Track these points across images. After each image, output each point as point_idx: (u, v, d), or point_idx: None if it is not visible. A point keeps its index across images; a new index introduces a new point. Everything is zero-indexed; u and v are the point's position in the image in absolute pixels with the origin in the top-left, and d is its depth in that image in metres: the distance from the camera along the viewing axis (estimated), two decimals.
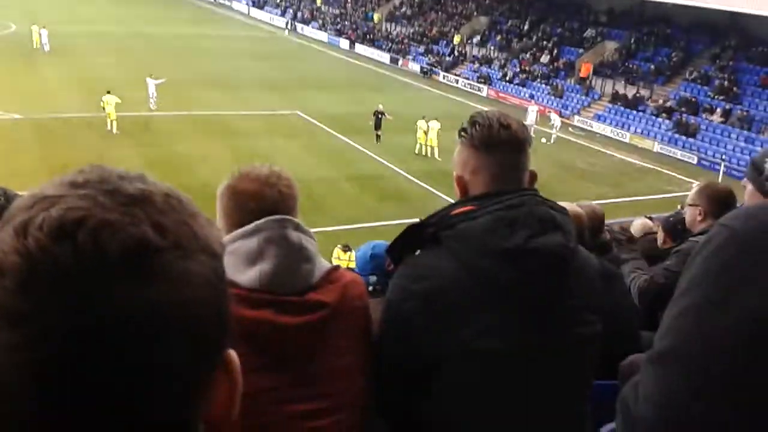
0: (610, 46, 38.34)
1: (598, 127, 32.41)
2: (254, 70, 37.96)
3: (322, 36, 54.12)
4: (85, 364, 0.54)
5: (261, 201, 1.67)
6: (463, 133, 1.80)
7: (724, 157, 26.81)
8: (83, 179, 0.61)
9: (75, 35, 43.48)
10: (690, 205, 3.81)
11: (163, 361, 0.57)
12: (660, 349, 1.10)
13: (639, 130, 31.40)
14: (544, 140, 27.36)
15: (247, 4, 67.31)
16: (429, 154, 24.33)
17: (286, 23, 58.58)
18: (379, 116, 25.55)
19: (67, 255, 0.54)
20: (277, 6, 64.16)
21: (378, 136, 25.68)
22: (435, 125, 24.31)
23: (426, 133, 24.39)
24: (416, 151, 24.66)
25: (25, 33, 40.07)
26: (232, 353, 0.67)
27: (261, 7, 65.37)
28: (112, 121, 24.26)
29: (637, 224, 5.72)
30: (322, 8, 59.85)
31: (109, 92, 24.47)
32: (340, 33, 53.26)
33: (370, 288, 2.56)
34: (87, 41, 42.09)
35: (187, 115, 27.53)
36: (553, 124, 28.94)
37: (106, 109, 24.19)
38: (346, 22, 55.01)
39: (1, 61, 33.93)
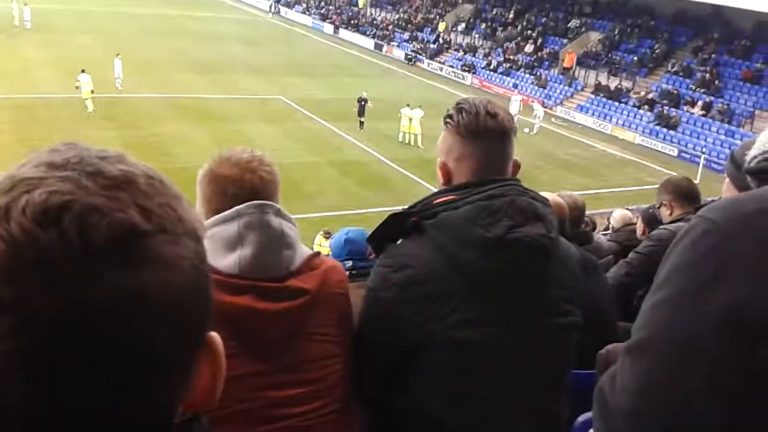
0: (594, 36, 38.45)
1: (581, 118, 32.57)
2: (237, 54, 37.64)
3: (306, 20, 53.73)
4: (73, 352, 0.53)
5: (241, 186, 1.65)
6: (448, 120, 1.78)
7: (704, 150, 27.07)
8: (62, 159, 0.59)
9: (55, 13, 42.82)
10: (660, 205, 3.88)
11: (151, 345, 0.56)
12: (637, 339, 1.11)
13: (621, 122, 31.59)
14: (526, 130, 27.44)
15: None
16: (412, 142, 24.32)
17: (270, 6, 58.05)
18: (363, 103, 25.54)
19: (53, 241, 0.53)
20: None
21: (361, 123, 25.66)
22: (418, 113, 24.30)
23: (410, 120, 24.37)
24: (400, 139, 24.62)
25: (7, 11, 39.31)
26: (215, 335, 0.66)
27: None
28: (86, 101, 23.93)
29: (617, 215, 5.78)
30: None
31: (83, 71, 24.08)
32: (324, 18, 52.90)
33: (346, 273, 2.56)
34: (67, 20, 41.48)
35: (168, 97, 27.24)
36: (536, 114, 29.01)
37: (82, 88, 23.84)
38: (331, 7, 54.64)
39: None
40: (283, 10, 57.09)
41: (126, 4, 49.88)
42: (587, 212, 4.45)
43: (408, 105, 24.65)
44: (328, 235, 12.58)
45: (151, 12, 48.57)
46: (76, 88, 23.87)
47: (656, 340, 1.08)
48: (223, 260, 1.58)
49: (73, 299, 0.53)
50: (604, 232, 6.52)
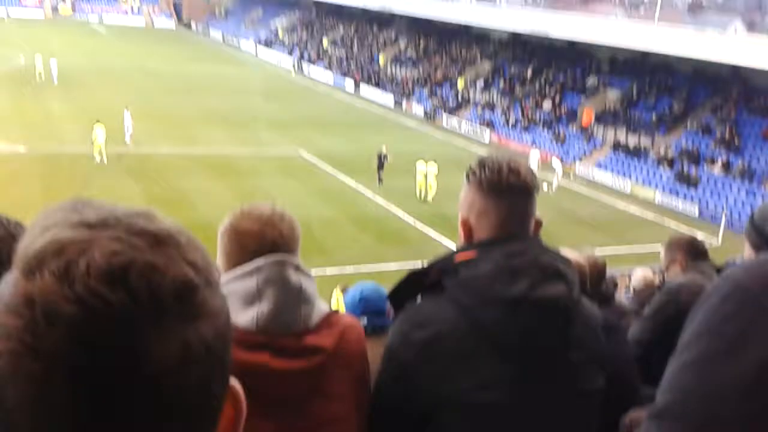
0: (612, 94, 38.75)
1: (599, 175, 32.53)
2: (259, 109, 38.33)
3: (328, 76, 54.78)
4: (143, 411, 0.54)
5: (261, 241, 1.65)
6: (471, 175, 1.77)
7: (725, 208, 26.85)
8: (97, 219, 0.59)
9: (81, 68, 44.07)
10: (668, 265, 3.85)
11: (209, 393, 0.60)
12: (662, 404, 1.09)
13: (640, 179, 31.50)
14: (545, 188, 27.46)
15: (255, 43, 68.30)
16: (424, 198, 24.29)
17: (293, 63, 59.35)
18: (383, 158, 25.80)
19: (124, 301, 0.54)
20: (285, 46, 65.10)
21: (380, 179, 25.82)
22: (432, 168, 24.32)
23: (425, 176, 24.40)
24: (417, 195, 24.59)
25: (31, 64, 40.51)
26: (234, 380, 0.67)
27: (269, 46, 66.32)
28: (100, 152, 24.30)
29: (638, 275, 5.70)
30: (329, 50, 60.70)
31: (98, 121, 24.52)
32: (345, 74, 53.92)
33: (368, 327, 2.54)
34: (94, 75, 42.64)
35: (191, 152, 27.69)
36: (555, 170, 29.05)
37: (96, 140, 24.26)
38: (352, 64, 55.74)
39: (8, 92, 34.29)
40: (305, 66, 58.33)
41: (152, 60, 51.30)
42: (608, 271, 4.40)
43: (423, 160, 24.72)
44: (345, 290, 12.53)
45: (176, 68, 49.84)
46: (92, 142, 24.30)
47: (684, 404, 1.06)
48: (240, 316, 1.57)
49: (144, 358, 0.54)
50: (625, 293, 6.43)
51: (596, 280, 3.98)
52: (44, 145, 25.73)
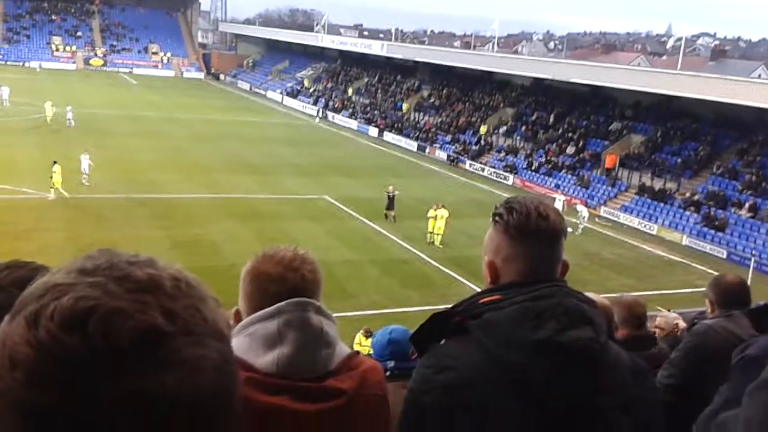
0: (636, 138, 38.68)
1: (625, 218, 32.26)
2: (285, 156, 38.81)
3: (352, 124, 55.49)
4: None
5: (283, 285, 1.64)
6: (497, 218, 1.74)
7: (754, 252, 26.38)
8: (93, 266, 0.61)
9: (110, 119, 45.08)
10: (707, 300, 3.77)
11: None
12: None
13: (667, 223, 31.17)
14: (570, 230, 27.23)
15: (281, 93, 69.60)
16: (434, 242, 24.07)
17: (318, 111, 60.28)
18: (391, 197, 26.67)
19: (78, 345, 0.54)
20: (310, 95, 66.24)
21: (393, 217, 26.55)
22: (444, 213, 24.18)
23: (435, 220, 24.24)
24: (428, 241, 24.23)
25: (63, 115, 41.49)
26: None
27: (294, 96, 67.52)
28: (53, 189, 24.92)
29: (662, 319, 5.59)
30: (353, 98, 61.63)
31: (55, 162, 25.22)
32: (369, 121, 54.57)
33: (388, 373, 2.50)
34: (122, 124, 43.58)
35: (216, 197, 28.02)
36: (580, 214, 28.88)
37: (53, 177, 24.82)
38: (376, 111, 56.45)
39: (37, 141, 35.14)
40: (330, 115, 59.18)
41: (179, 111, 52.42)
42: None
43: (434, 205, 24.52)
44: (368, 333, 12.43)
45: (203, 118, 50.83)
46: (50, 177, 24.84)
47: None
48: (261, 359, 1.56)
49: (92, 402, 0.53)
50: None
51: (637, 324, 3.91)
52: (72, 192, 26.15)
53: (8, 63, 71.82)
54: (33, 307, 0.57)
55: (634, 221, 31.79)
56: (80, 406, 0.54)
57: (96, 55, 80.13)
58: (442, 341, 1.70)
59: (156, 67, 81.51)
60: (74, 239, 20.34)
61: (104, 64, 78.74)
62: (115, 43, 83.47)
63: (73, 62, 77.35)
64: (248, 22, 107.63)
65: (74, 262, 0.63)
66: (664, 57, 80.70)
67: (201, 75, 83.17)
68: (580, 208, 29.75)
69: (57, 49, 78.88)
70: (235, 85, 78.53)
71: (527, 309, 1.60)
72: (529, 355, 1.56)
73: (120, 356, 0.55)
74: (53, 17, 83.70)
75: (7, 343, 0.56)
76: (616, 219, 32.39)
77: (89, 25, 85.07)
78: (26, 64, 72.98)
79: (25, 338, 0.55)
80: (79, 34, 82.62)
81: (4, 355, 0.55)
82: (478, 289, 1.79)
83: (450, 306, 1.73)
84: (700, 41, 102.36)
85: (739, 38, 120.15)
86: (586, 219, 28.95)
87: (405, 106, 55.13)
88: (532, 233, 1.70)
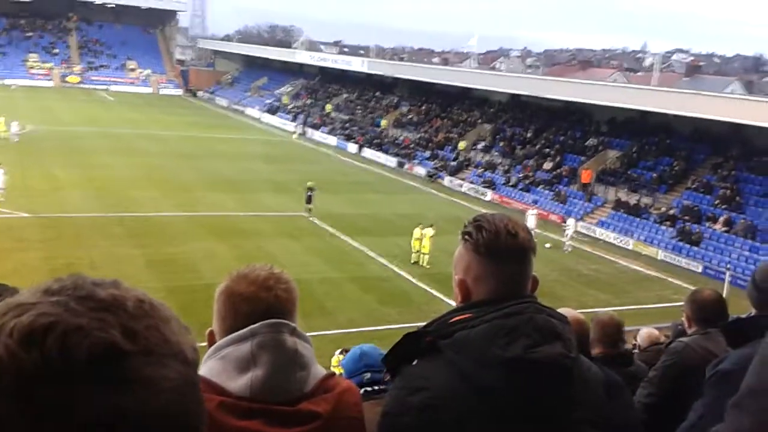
0: (612, 154, 39.13)
1: (602, 234, 32.53)
2: (263, 173, 38.69)
3: (331, 140, 55.51)
4: None
5: (256, 305, 1.63)
6: (467, 237, 1.74)
7: (729, 266, 26.72)
8: (58, 286, 0.62)
9: (87, 136, 44.68)
10: (684, 314, 3.79)
11: None
12: None
13: (643, 238, 31.47)
14: (547, 245, 27.41)
15: (260, 109, 69.49)
16: (421, 262, 23.88)
17: (297, 128, 60.24)
18: (310, 192, 28.98)
19: (35, 361, 0.55)
20: (289, 112, 66.20)
21: (310, 210, 28.89)
22: (429, 232, 23.99)
23: (420, 240, 24.15)
24: (412, 260, 24.07)
25: (41, 133, 41.07)
26: None
27: (273, 113, 67.43)
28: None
29: (644, 334, 5.64)
30: (332, 114, 61.70)
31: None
32: (348, 138, 54.64)
33: (363, 390, 2.48)
34: (98, 142, 43.19)
35: (194, 215, 27.81)
36: (566, 231, 29.13)
37: None
38: (355, 128, 56.55)
39: (13, 159, 34.68)
40: (309, 131, 59.16)
41: (157, 128, 52.11)
42: None
43: (420, 224, 24.52)
44: (346, 352, 12.35)
45: (181, 135, 50.56)
46: None
47: None
48: (234, 382, 1.54)
49: (51, 418, 0.54)
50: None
51: (613, 341, 3.92)
52: (48, 210, 25.85)
53: None
54: None
55: (610, 236, 32.06)
56: (37, 420, 0.54)
57: (73, 72, 79.44)
58: (415, 362, 1.70)
59: (133, 83, 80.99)
60: (50, 259, 20.08)
61: (81, 81, 78.07)
62: (92, 60, 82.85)
63: (50, 79, 76.61)
64: (227, 38, 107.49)
65: (41, 284, 0.63)
66: (640, 73, 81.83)
67: (179, 92, 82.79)
68: (570, 222, 29.95)
69: (33, 67, 78.10)
70: (213, 102, 78.28)
71: (498, 327, 1.60)
72: (500, 372, 1.56)
73: (77, 372, 0.55)
74: (30, 34, 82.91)
75: None
76: (592, 234, 32.65)
77: (66, 42, 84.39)
78: (1, 82, 72.18)
79: None
80: (56, 50, 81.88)
81: None
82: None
83: (422, 326, 1.73)
84: (675, 57, 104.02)
85: (713, 54, 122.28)
86: (570, 236, 29.05)
87: (384, 123, 55.31)
88: (502, 252, 1.70)
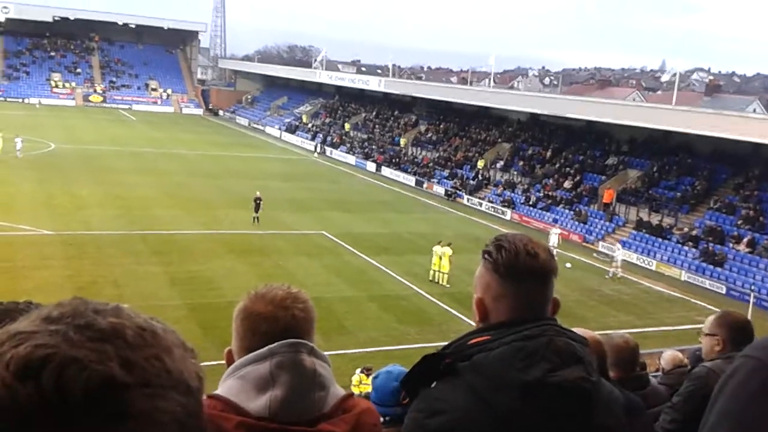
0: (633, 173, 38.87)
1: (623, 254, 32.19)
2: (282, 191, 38.86)
3: (350, 159, 55.76)
4: None
5: (274, 324, 1.63)
6: (487, 256, 1.73)
7: (753, 287, 26.32)
8: (58, 314, 0.61)
9: (109, 155, 45.27)
10: (707, 334, 3.71)
11: None
12: None
13: (665, 258, 31.12)
14: (568, 265, 27.20)
15: (280, 128, 70.07)
16: (439, 281, 23.82)
17: (316, 146, 60.62)
18: (258, 202, 30.21)
19: (31, 395, 0.54)
20: (308, 131, 66.68)
21: (256, 218, 29.71)
22: (447, 251, 23.94)
23: (440, 258, 24.08)
24: (430, 278, 24.04)
25: (64, 152, 41.65)
26: None
27: (293, 132, 67.97)
28: None
29: (668, 356, 5.54)
30: (351, 133, 62.04)
31: None
32: (367, 156, 54.85)
33: (387, 418, 2.45)
34: (121, 160, 43.72)
35: (215, 233, 27.99)
36: (615, 258, 28.69)
37: None
38: (374, 146, 56.78)
39: (35, 178, 35.21)
40: (328, 150, 59.49)
41: (178, 147, 52.70)
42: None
43: (440, 242, 24.51)
44: (368, 371, 12.29)
45: (202, 153, 51.07)
46: None
47: None
48: (253, 401, 1.54)
49: None
50: (654, 374, 6.24)
51: (628, 364, 3.85)
52: (70, 228, 26.15)
53: (8, 99, 72.36)
54: None
55: (632, 257, 31.72)
56: None
57: (95, 91, 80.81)
58: (433, 384, 1.68)
59: (155, 103, 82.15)
60: (74, 276, 20.29)
61: (104, 101, 79.35)
62: (114, 79, 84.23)
63: (73, 98, 77.97)
64: (247, 58, 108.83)
65: (43, 310, 0.63)
66: (659, 92, 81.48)
67: (200, 111, 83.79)
68: (617, 250, 29.44)
69: (56, 86, 79.55)
70: (234, 121, 79.08)
71: (517, 349, 1.58)
72: (519, 396, 1.54)
73: (73, 406, 0.54)
74: (53, 54, 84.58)
75: None
76: (614, 254, 32.29)
77: (89, 62, 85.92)
78: (26, 101, 73.55)
79: None
80: (79, 70, 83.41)
81: None
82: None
83: (440, 348, 1.72)
84: (694, 76, 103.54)
85: (733, 73, 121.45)
86: (618, 260, 28.47)
87: (402, 141, 55.50)
88: (521, 272, 1.69)
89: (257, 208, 30.24)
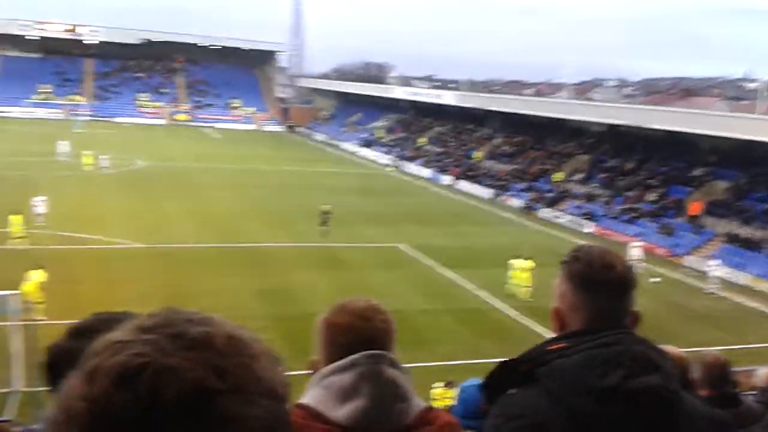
0: (721, 185, 37.26)
1: (722, 271, 30.66)
2: (360, 205, 39.20)
3: (426, 172, 55.78)
4: None
5: (355, 335, 1.67)
6: (564, 266, 1.77)
7: None
8: (152, 323, 0.64)
9: (195, 171, 46.86)
10: None
11: None
12: None
13: (759, 273, 29.57)
14: (657, 279, 26.23)
15: (356, 144, 70.93)
16: (519, 294, 23.37)
17: (391, 161, 60.99)
18: (327, 215, 30.34)
19: (128, 401, 0.57)
20: (383, 146, 67.21)
21: (325, 232, 29.72)
22: (528, 264, 23.43)
23: (520, 272, 23.71)
24: (507, 291, 23.63)
25: (150, 170, 43.35)
26: None
27: (368, 147, 68.65)
28: (16, 239, 24.98)
29: (763, 374, 5.29)
30: (426, 147, 62.13)
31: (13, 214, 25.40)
32: (443, 170, 54.76)
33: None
34: (207, 176, 45.17)
35: (297, 245, 28.50)
36: (710, 274, 27.31)
37: (13, 228, 25.02)
38: (449, 160, 56.65)
39: (124, 194, 36.83)
40: (404, 164, 59.76)
41: (260, 163, 54.02)
42: None
43: (519, 256, 24.08)
44: (450, 384, 12.26)
45: (280, 169, 52.19)
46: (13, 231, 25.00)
47: None
48: (337, 411, 1.58)
49: None
50: (750, 393, 5.96)
51: (719, 381, 3.73)
52: (159, 242, 27.18)
53: (98, 119, 76.11)
54: (92, 362, 0.60)
55: (722, 271, 30.27)
56: None
57: (181, 110, 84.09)
58: (512, 390, 1.69)
59: (238, 121, 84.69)
60: (163, 287, 21.05)
61: (190, 120, 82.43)
62: (199, 99, 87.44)
63: (160, 118, 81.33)
64: (324, 76, 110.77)
65: (137, 319, 0.66)
66: (745, 102, 78.02)
67: (280, 128, 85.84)
68: (714, 265, 27.90)
69: (143, 106, 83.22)
70: (312, 137, 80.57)
71: (593, 356, 1.60)
72: (597, 401, 1.55)
73: (168, 413, 0.56)
74: (139, 75, 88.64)
75: (67, 397, 0.59)
76: (703, 268, 30.95)
77: (174, 83, 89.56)
78: (115, 120, 77.16)
79: (81, 393, 0.58)
80: (165, 90, 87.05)
81: (62, 407, 0.58)
82: None
83: (518, 355, 1.73)
84: None
85: None
86: (715, 276, 27.09)
87: (478, 155, 55.16)
88: (595, 283, 1.70)
89: (325, 221, 30.47)
